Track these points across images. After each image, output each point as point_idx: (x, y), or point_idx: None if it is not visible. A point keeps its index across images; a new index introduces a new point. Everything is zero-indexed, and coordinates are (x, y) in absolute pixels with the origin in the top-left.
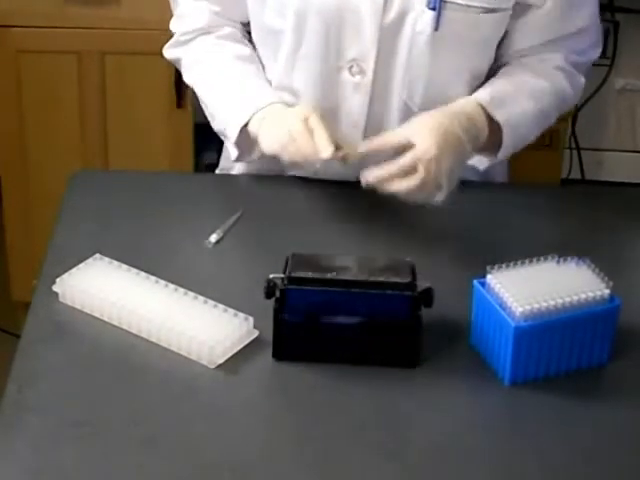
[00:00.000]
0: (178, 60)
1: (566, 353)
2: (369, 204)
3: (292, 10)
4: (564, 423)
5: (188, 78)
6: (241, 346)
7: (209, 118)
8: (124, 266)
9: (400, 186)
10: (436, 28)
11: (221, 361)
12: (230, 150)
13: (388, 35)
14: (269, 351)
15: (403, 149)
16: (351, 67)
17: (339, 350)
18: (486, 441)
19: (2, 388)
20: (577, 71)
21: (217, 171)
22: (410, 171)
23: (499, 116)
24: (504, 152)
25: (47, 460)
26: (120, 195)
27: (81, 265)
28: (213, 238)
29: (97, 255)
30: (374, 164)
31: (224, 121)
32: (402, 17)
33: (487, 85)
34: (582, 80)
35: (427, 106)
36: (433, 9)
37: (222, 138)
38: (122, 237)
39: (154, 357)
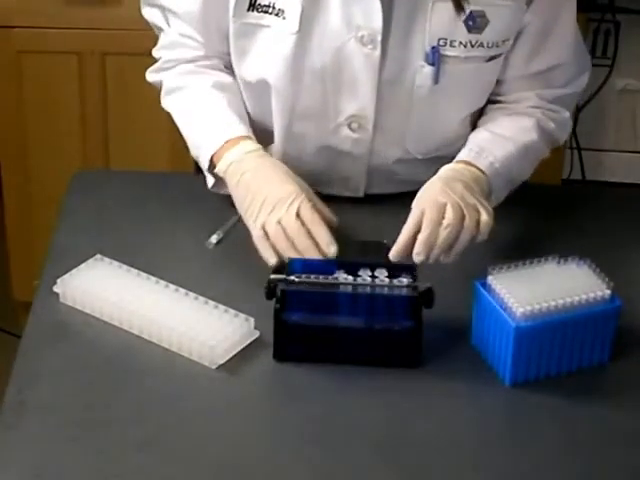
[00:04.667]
0: (159, 83)
1: (567, 353)
2: (369, 205)
3: (286, 68)
4: (565, 423)
5: (166, 104)
6: (242, 347)
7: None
8: (125, 267)
9: (447, 232)
10: (436, 82)
11: (222, 361)
12: (207, 178)
13: (386, 90)
14: (270, 352)
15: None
16: (350, 123)
17: (340, 351)
18: (486, 441)
19: (3, 388)
20: (559, 105)
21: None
22: (440, 218)
23: (481, 165)
24: (495, 197)
25: (47, 460)
26: (121, 196)
27: (82, 266)
28: (214, 239)
29: (98, 256)
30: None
31: (197, 149)
32: (400, 72)
33: (466, 142)
34: (566, 114)
35: (429, 153)
36: (432, 64)
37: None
38: (123, 238)
39: (155, 357)
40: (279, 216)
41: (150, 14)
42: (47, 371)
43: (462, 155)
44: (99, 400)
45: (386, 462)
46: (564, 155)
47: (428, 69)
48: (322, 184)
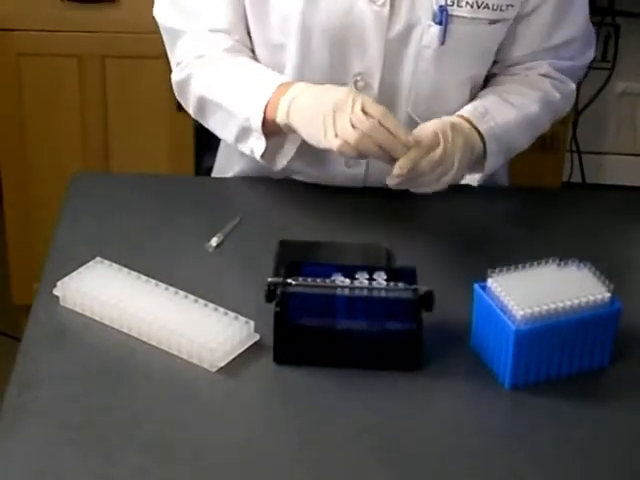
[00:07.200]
0: (188, 77)
1: (567, 356)
2: (368, 209)
3: (296, 27)
4: (565, 426)
5: (198, 87)
6: (242, 349)
7: (225, 124)
8: (124, 269)
9: (426, 162)
10: (443, 42)
11: (222, 364)
12: (255, 147)
13: (393, 49)
14: (270, 355)
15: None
16: (356, 81)
17: (340, 354)
18: (487, 445)
19: (3, 391)
20: (566, 76)
21: (212, 175)
22: (433, 145)
23: (481, 127)
24: (491, 162)
25: (47, 463)
26: (121, 198)
27: (82, 268)
28: (214, 242)
29: (98, 258)
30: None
31: (245, 109)
32: (408, 31)
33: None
34: (572, 86)
35: (429, 117)
36: (440, 23)
37: (240, 147)
38: (123, 240)
39: (154, 360)
40: (347, 117)
41: (166, 17)
42: (47, 374)
43: (467, 111)
44: (99, 403)
45: (386, 465)
46: (564, 158)
47: (435, 28)
48: (325, 161)
